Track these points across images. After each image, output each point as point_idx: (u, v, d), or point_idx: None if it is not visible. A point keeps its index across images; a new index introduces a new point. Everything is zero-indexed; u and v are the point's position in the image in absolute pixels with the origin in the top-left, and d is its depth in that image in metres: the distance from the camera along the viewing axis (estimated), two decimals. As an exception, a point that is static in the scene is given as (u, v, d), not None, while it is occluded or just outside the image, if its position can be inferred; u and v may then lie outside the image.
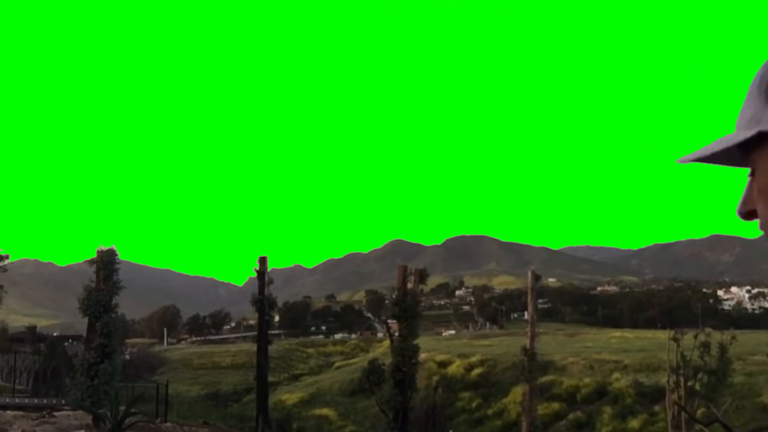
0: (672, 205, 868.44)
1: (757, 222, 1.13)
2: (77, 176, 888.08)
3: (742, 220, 1.14)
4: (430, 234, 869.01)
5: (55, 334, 72.60)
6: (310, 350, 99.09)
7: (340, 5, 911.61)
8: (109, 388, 14.38)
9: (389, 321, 21.94)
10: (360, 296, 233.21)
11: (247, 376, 42.28)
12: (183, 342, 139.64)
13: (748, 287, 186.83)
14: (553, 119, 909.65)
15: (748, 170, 1.15)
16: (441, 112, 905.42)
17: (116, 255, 15.32)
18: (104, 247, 15.23)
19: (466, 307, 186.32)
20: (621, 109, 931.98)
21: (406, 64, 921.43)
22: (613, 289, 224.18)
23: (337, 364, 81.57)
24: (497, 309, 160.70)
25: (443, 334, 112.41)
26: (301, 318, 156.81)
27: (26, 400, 20.54)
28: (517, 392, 39.69)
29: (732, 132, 1.13)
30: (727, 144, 1.08)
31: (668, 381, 19.54)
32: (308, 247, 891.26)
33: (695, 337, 19.58)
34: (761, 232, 1.12)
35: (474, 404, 49.80)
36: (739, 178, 1.18)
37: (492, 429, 45.53)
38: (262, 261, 22.32)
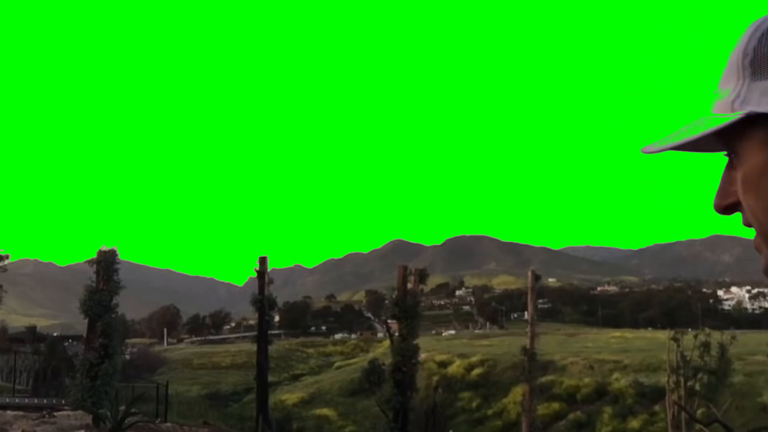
0: (672, 205, 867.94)
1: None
2: (77, 176, 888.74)
3: (723, 215, 0.96)
4: (430, 234, 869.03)
5: (55, 334, 72.52)
6: (310, 350, 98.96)
7: (340, 5, 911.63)
8: (110, 389, 14.38)
9: (389, 321, 21.90)
10: (360, 296, 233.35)
11: (247, 376, 42.24)
12: (183, 342, 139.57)
13: (748, 287, 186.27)
14: (553, 119, 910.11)
15: (720, 157, 0.98)
16: (441, 112, 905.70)
17: (116, 255, 15.34)
18: (105, 248, 15.25)
19: (466, 307, 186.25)
20: (621, 108, 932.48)
21: (406, 64, 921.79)
22: (613, 289, 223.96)
23: (337, 364, 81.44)
24: (497, 309, 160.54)
25: (443, 334, 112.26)
26: (301, 318, 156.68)
27: (26, 400, 20.54)
28: (517, 392, 39.67)
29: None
30: (708, 130, 0.90)
31: (668, 381, 19.53)
32: (308, 247, 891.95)
33: (695, 337, 19.59)
34: None
35: (474, 404, 49.77)
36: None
37: (492, 429, 45.52)
38: (262, 261, 22.28)
